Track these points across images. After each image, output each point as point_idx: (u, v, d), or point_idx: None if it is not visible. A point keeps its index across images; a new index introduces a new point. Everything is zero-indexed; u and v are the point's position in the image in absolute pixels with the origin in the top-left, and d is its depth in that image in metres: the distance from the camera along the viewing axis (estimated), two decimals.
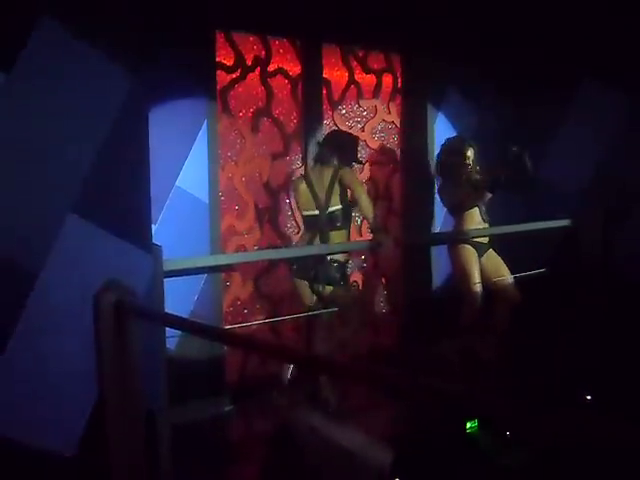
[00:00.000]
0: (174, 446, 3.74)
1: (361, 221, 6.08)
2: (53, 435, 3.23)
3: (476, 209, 5.80)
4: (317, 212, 4.88)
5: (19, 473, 3.15)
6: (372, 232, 5.15)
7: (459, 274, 5.87)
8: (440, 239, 6.26)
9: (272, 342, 4.15)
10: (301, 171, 5.49)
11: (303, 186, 4.96)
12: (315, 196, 4.87)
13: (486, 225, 5.85)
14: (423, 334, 6.00)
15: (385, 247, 4.96)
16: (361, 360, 4.86)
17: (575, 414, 1.62)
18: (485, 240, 5.85)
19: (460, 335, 5.82)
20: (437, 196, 6.17)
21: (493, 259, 5.91)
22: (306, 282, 4.90)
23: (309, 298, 4.94)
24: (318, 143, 5.25)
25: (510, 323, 5.87)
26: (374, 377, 2.14)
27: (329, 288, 4.89)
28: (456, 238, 5.91)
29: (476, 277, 5.75)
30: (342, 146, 5.03)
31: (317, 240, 4.89)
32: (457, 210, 5.88)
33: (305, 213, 4.97)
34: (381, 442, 3.90)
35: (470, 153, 5.75)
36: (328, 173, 4.89)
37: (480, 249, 5.81)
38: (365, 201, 4.91)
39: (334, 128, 5.77)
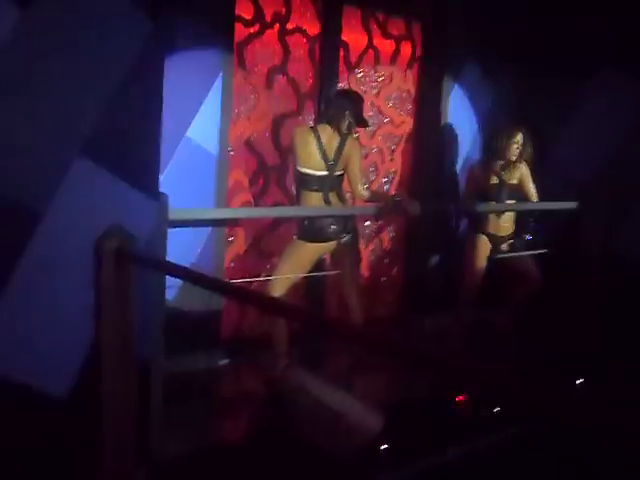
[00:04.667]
0: (166, 396, 3.75)
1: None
2: (47, 376, 3.24)
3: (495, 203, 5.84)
4: (326, 173, 4.74)
5: (8, 412, 3.16)
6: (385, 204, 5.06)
7: (467, 258, 5.93)
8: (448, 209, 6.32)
9: (273, 298, 4.14)
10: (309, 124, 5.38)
11: (313, 142, 4.74)
12: (325, 157, 4.74)
13: (504, 217, 5.86)
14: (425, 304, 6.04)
15: (412, 210, 4.88)
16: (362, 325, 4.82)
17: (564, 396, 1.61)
18: (505, 233, 5.86)
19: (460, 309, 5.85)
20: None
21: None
22: (323, 244, 4.76)
23: (313, 260, 4.87)
24: (326, 101, 5.15)
25: (525, 303, 5.91)
26: (374, 340, 2.13)
27: (352, 238, 4.85)
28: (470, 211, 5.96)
29: (479, 269, 5.80)
30: (350, 103, 4.83)
31: (334, 199, 4.78)
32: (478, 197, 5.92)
33: (311, 172, 4.74)
34: (372, 408, 3.91)
35: (520, 138, 5.72)
36: (336, 138, 4.78)
37: (497, 242, 5.83)
38: (360, 183, 4.85)
39: (342, 86, 5.72)
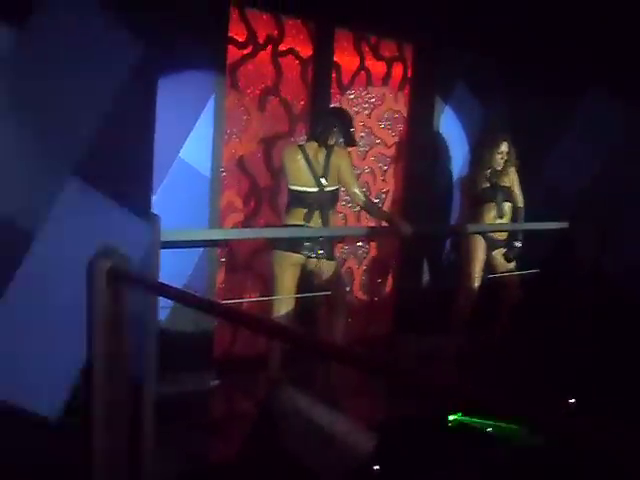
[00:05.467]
0: (157, 416, 3.74)
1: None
2: (38, 397, 3.23)
3: (492, 204, 5.89)
4: (316, 189, 4.82)
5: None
6: (378, 219, 5.28)
7: (463, 260, 5.98)
8: (445, 231, 6.38)
9: (265, 319, 4.16)
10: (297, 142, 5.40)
11: (301, 159, 4.86)
12: (314, 172, 4.82)
13: (503, 220, 5.92)
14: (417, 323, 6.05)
15: (404, 231, 4.98)
16: (353, 345, 4.84)
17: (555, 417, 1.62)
18: (502, 236, 5.92)
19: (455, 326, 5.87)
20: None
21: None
22: (295, 255, 4.82)
23: (294, 272, 4.88)
24: (315, 119, 5.21)
25: (508, 319, 5.93)
26: (366, 362, 2.14)
27: (328, 263, 4.89)
28: (459, 232, 6.02)
29: (477, 270, 5.83)
30: (338, 121, 4.95)
31: (315, 218, 4.84)
32: (475, 202, 6.00)
33: (302, 189, 4.85)
34: (364, 429, 3.90)
35: (505, 147, 5.79)
36: (322, 152, 4.86)
37: (493, 244, 5.89)
38: (354, 186, 4.94)
39: (335, 105, 5.76)
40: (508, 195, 5.91)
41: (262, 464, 3.73)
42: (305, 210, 4.81)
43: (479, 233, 5.90)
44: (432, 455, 4.22)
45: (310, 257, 4.82)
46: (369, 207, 5.13)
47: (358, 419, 4.08)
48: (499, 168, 5.84)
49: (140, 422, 3.63)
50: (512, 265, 6.04)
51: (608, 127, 6.19)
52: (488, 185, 5.87)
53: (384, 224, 5.34)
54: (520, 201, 5.99)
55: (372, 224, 5.95)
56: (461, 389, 1.94)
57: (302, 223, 4.81)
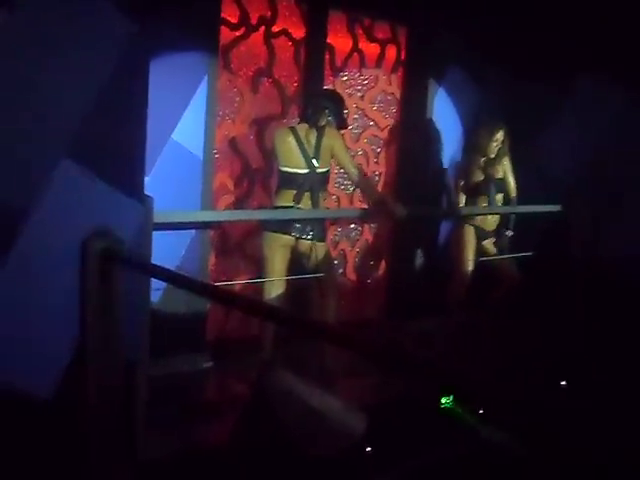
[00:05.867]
0: (150, 398, 3.75)
1: (353, 189, 6.09)
2: (32, 377, 3.23)
3: (485, 197, 5.95)
4: (306, 171, 4.80)
5: None
6: (372, 199, 5.22)
7: (453, 249, 5.99)
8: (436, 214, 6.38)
9: (257, 300, 4.17)
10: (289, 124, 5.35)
11: (292, 141, 4.83)
12: (305, 154, 4.80)
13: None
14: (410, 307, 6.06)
15: (398, 213, 4.98)
16: (344, 327, 4.85)
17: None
18: (490, 227, 5.93)
19: (448, 310, 5.88)
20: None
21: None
22: (285, 236, 4.79)
23: (284, 254, 4.86)
24: (306, 101, 5.20)
25: (504, 302, 5.94)
26: (357, 343, 2.15)
27: (319, 245, 4.88)
28: (455, 216, 6.04)
29: (469, 254, 5.85)
30: (329, 102, 4.93)
31: (305, 199, 4.82)
32: (468, 194, 6.03)
33: (292, 170, 4.82)
34: (356, 409, 3.93)
35: (500, 135, 5.81)
36: (313, 133, 4.85)
37: (482, 235, 5.91)
38: (350, 165, 4.95)
39: (326, 87, 5.76)
40: (501, 187, 5.95)
41: (254, 445, 3.75)
42: (295, 191, 4.79)
43: (469, 223, 5.91)
44: (424, 437, 4.25)
45: (300, 238, 4.81)
46: (364, 185, 5.16)
47: (351, 400, 4.10)
48: (492, 156, 5.85)
49: (133, 403, 3.65)
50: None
51: (606, 111, 6.17)
52: (482, 178, 5.89)
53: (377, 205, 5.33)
54: (513, 191, 6.01)
55: (365, 206, 5.96)
56: (448, 372, 1.96)
57: (291, 204, 4.79)
